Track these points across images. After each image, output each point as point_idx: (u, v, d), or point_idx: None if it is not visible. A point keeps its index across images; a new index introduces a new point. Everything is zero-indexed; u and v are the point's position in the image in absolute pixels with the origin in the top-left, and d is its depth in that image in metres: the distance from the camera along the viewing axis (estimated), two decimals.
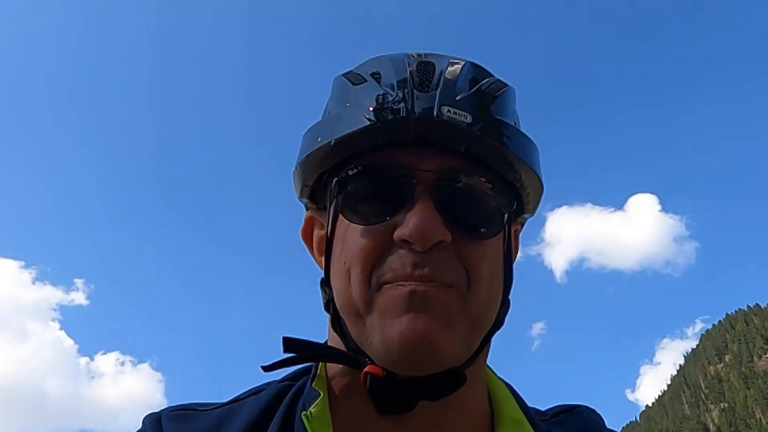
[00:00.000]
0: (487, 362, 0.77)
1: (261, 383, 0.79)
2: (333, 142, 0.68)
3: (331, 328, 0.72)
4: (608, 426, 0.86)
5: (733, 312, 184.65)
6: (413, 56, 0.73)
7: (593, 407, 0.87)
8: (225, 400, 0.77)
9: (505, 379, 0.83)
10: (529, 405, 0.82)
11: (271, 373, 0.72)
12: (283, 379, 0.78)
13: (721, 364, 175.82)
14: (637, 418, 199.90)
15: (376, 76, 0.72)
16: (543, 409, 0.85)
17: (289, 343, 0.70)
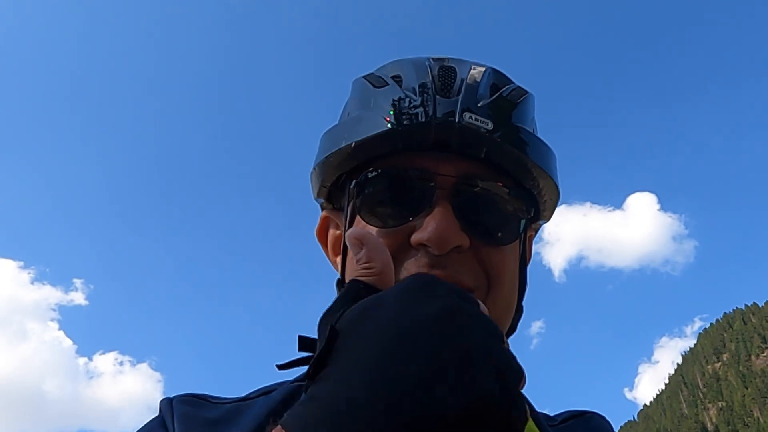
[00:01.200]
0: None
1: (271, 383, 0.78)
2: (353, 144, 0.69)
3: None
4: None
5: (731, 311, 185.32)
6: (434, 60, 0.74)
7: (602, 414, 0.86)
8: (235, 397, 0.77)
9: None
10: (538, 410, 0.82)
11: (275, 372, 0.69)
12: (295, 380, 0.77)
13: (719, 363, 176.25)
14: (635, 417, 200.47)
15: (398, 80, 0.72)
16: (552, 414, 0.85)
17: (304, 342, 0.68)
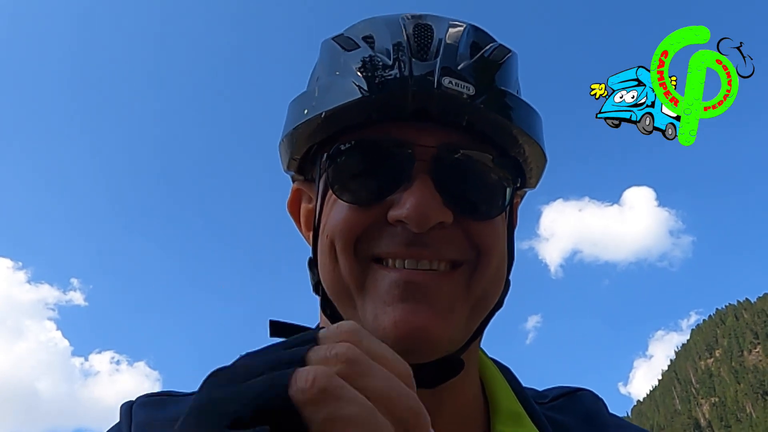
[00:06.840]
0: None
1: None
2: (324, 114, 0.63)
3: (321, 312, 0.68)
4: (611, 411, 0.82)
5: (724, 307, 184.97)
6: (409, 18, 0.67)
7: (595, 391, 0.83)
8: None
9: (498, 360, 0.80)
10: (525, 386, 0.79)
11: None
12: None
13: (712, 359, 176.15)
14: (629, 413, 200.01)
15: (369, 41, 0.66)
16: (541, 389, 0.82)
17: (276, 327, 0.64)
